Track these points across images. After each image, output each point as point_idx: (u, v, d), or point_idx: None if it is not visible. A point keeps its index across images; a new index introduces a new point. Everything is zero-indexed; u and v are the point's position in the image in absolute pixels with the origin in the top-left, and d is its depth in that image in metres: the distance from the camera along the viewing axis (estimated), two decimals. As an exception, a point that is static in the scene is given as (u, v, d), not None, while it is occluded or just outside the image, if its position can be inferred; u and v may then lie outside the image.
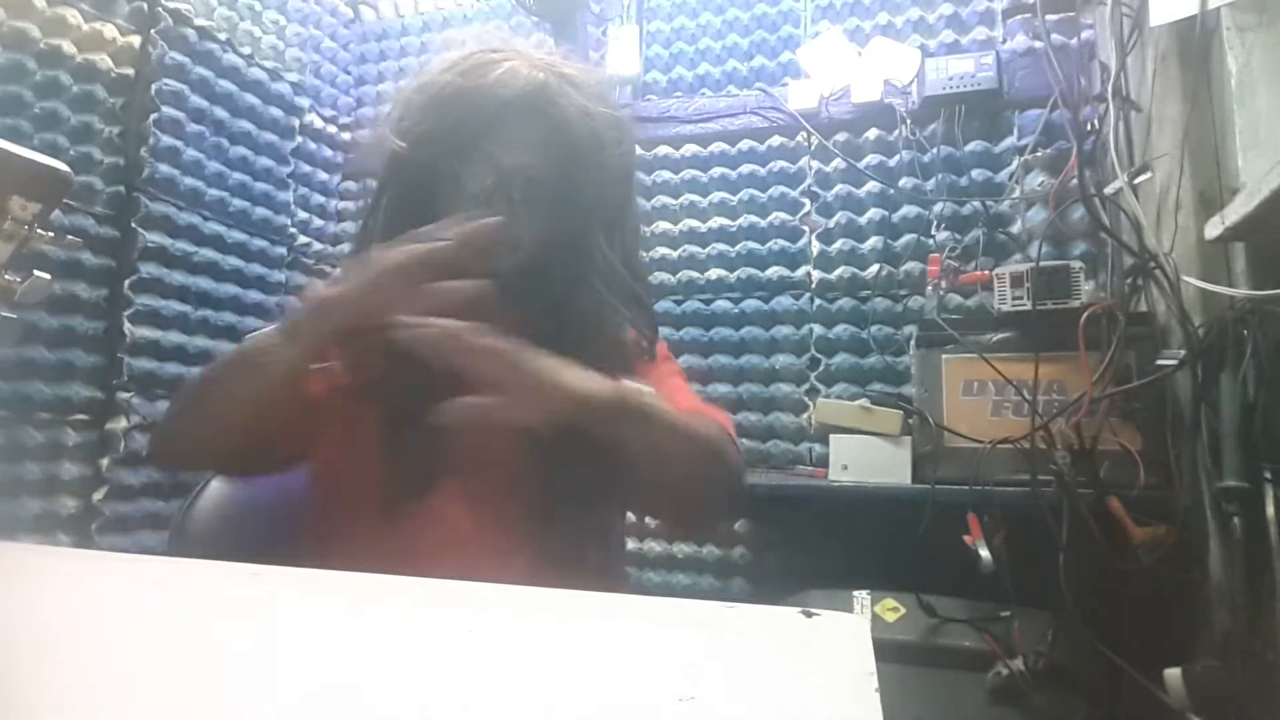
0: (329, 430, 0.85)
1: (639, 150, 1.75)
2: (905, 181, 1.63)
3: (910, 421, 1.35)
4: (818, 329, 1.67)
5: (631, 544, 1.71)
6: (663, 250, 1.78)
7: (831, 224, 1.68)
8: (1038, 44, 1.53)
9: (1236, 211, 0.95)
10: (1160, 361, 1.15)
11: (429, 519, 0.81)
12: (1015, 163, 1.55)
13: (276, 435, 0.80)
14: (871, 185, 1.66)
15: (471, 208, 0.84)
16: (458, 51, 0.86)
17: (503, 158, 0.83)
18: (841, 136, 1.69)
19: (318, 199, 1.98)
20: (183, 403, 0.88)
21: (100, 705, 0.33)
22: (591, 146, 0.84)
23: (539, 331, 0.87)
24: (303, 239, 1.91)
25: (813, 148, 1.72)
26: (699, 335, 1.73)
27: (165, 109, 1.53)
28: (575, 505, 0.84)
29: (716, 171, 1.78)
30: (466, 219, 0.85)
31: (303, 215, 1.91)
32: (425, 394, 0.84)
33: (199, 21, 1.61)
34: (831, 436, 1.40)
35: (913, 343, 1.42)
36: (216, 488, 0.98)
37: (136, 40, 1.50)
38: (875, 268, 1.63)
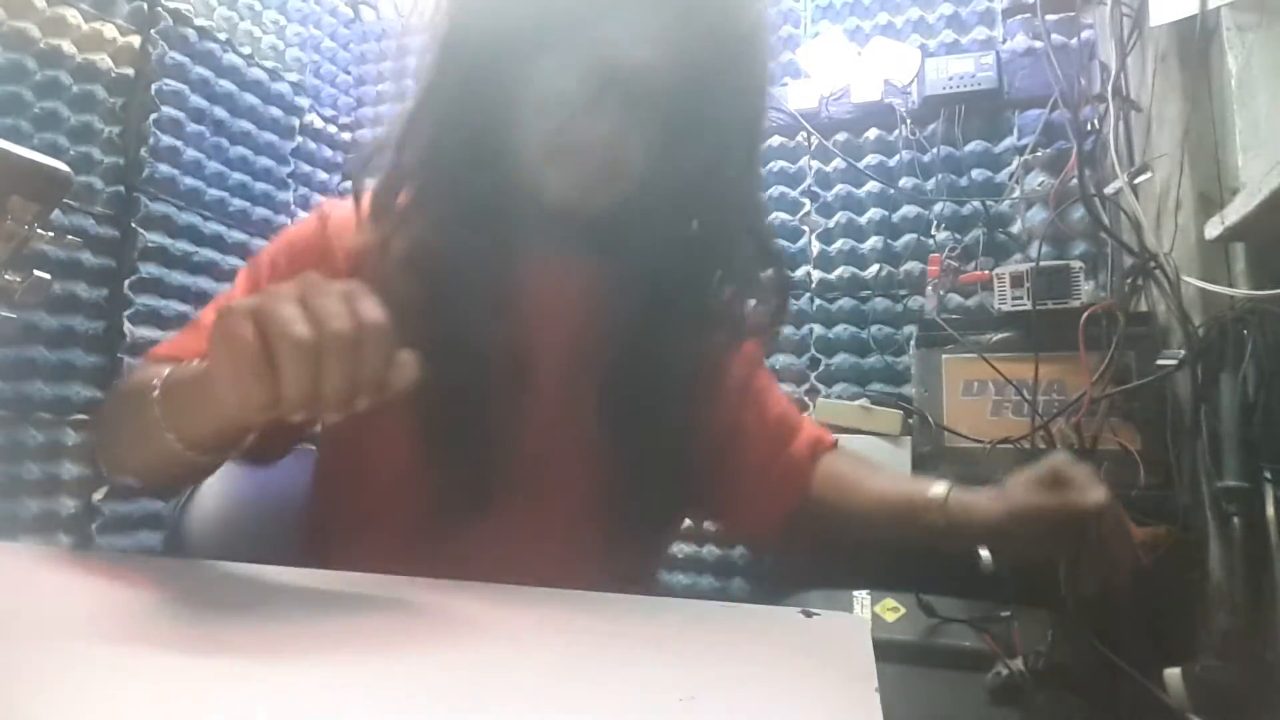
0: (349, 437, 0.72)
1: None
2: (905, 181, 1.63)
3: (910, 421, 1.35)
4: (818, 329, 1.66)
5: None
6: (663, 250, 1.78)
7: (831, 224, 1.68)
8: (1038, 44, 1.52)
9: (1236, 211, 0.94)
10: (1160, 361, 1.15)
11: (485, 536, 0.68)
12: (1015, 163, 1.55)
13: (188, 478, 0.69)
14: (871, 185, 1.65)
15: (563, 121, 0.60)
16: None
17: (616, 51, 0.59)
18: (841, 136, 1.69)
19: (318, 199, 1.98)
20: (98, 417, 0.78)
21: (100, 706, 0.33)
22: (743, 42, 0.62)
23: (639, 293, 0.67)
24: (303, 239, 1.91)
25: (813, 148, 1.71)
26: (699, 335, 1.73)
27: (165, 109, 1.53)
28: (647, 524, 0.74)
29: (716, 171, 1.77)
30: (550, 142, 0.61)
31: (302, 215, 1.91)
32: (478, 400, 0.67)
33: (199, 21, 1.61)
34: (831, 436, 1.40)
35: (913, 343, 1.42)
36: (216, 486, 0.97)
37: (136, 40, 1.49)
38: (875, 268, 1.63)
